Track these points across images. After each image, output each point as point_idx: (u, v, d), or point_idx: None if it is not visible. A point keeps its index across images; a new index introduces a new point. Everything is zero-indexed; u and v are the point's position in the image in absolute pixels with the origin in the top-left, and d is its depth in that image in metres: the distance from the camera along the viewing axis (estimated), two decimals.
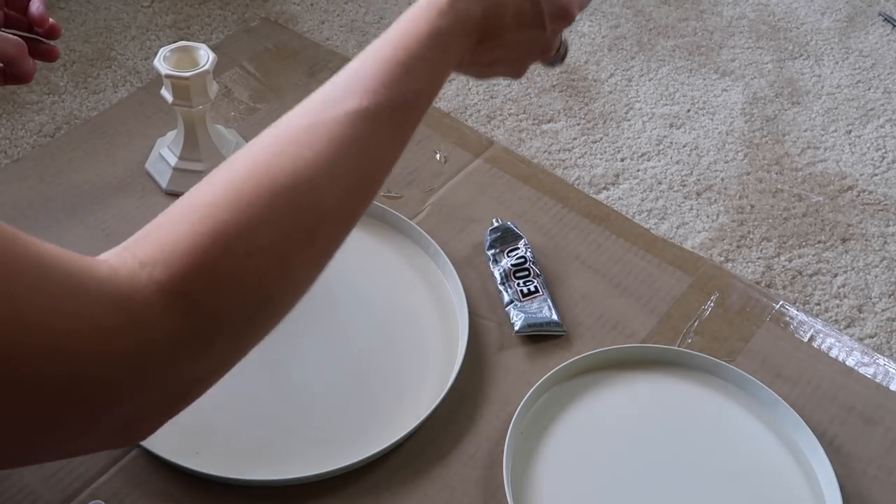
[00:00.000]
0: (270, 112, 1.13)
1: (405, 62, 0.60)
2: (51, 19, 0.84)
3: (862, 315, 1.06)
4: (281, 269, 0.52)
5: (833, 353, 0.92)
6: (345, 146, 0.56)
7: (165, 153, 1.03)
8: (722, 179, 1.21)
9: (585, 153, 1.23)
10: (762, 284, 1.07)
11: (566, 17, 0.72)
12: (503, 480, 0.78)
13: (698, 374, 0.89)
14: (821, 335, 0.94)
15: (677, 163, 1.23)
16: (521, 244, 0.97)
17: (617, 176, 1.20)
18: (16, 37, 0.80)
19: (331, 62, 1.20)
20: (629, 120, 1.29)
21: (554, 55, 0.77)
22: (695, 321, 0.94)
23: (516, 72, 0.75)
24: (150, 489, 0.78)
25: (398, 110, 0.59)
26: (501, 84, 1.32)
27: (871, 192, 1.21)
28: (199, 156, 1.01)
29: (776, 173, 1.23)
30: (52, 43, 0.84)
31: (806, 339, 0.93)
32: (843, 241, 1.14)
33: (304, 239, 0.54)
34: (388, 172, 0.60)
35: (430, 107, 0.63)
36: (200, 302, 0.48)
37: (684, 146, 1.25)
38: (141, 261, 0.48)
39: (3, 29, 0.82)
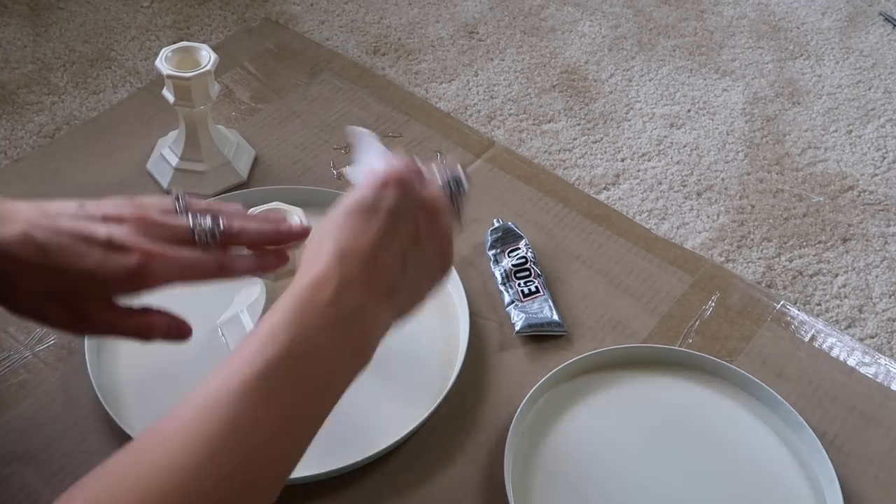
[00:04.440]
0: (272, 112, 1.13)
1: (267, 332, 0.58)
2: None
3: (863, 315, 1.06)
4: None
5: (834, 353, 0.92)
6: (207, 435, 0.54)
7: (167, 153, 1.03)
8: (722, 179, 1.21)
9: (586, 153, 1.23)
10: (763, 284, 1.07)
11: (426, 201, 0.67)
12: (504, 480, 0.78)
13: (699, 374, 0.89)
14: (822, 335, 0.94)
15: (678, 163, 1.23)
16: (521, 244, 0.97)
17: (617, 176, 1.20)
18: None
19: (332, 62, 1.21)
20: (629, 120, 1.29)
21: (452, 199, 0.71)
22: (696, 321, 0.94)
23: (442, 264, 0.69)
24: None
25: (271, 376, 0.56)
26: (501, 84, 1.32)
27: (871, 192, 1.21)
28: (200, 156, 1.01)
29: (777, 173, 1.23)
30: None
31: (807, 339, 0.93)
32: (844, 241, 1.14)
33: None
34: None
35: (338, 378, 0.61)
36: None
37: (685, 146, 1.25)
38: None
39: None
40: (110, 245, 0.66)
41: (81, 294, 0.68)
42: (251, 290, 0.88)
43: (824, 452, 0.81)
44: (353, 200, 0.65)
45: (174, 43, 0.98)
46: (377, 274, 0.63)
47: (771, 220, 1.16)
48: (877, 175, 1.24)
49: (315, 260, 0.62)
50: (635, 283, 0.97)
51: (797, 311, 0.96)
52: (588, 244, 1.00)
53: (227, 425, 0.54)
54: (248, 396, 0.55)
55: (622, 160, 1.22)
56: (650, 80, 1.36)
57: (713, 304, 0.96)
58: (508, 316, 0.92)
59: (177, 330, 0.73)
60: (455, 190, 0.72)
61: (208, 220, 0.69)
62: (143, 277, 0.67)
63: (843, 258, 1.12)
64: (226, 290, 0.92)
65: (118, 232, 0.67)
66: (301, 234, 0.74)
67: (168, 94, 0.96)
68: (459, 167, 0.73)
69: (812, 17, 1.50)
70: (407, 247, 0.65)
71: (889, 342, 1.03)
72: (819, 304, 1.07)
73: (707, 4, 1.51)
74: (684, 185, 1.20)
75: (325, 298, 0.60)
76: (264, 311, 0.84)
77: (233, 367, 0.57)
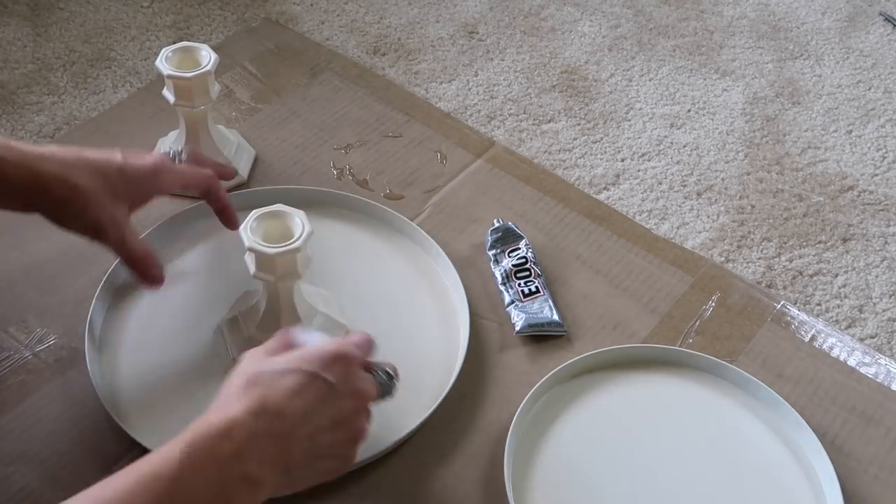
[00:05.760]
0: (272, 112, 1.13)
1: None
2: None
3: (863, 315, 1.06)
4: None
5: (834, 353, 0.92)
6: None
7: None
8: (722, 179, 1.21)
9: (586, 153, 1.23)
10: (763, 284, 1.07)
11: (355, 391, 0.67)
12: (504, 480, 0.78)
13: (699, 374, 0.89)
14: (822, 335, 0.94)
15: (678, 163, 1.23)
16: (521, 244, 0.97)
17: (617, 176, 1.20)
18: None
19: (332, 63, 1.21)
20: (629, 120, 1.29)
21: (379, 397, 0.72)
22: (696, 321, 0.94)
23: (341, 462, 0.70)
24: None
25: None
26: (501, 84, 1.33)
27: (871, 192, 1.21)
28: None
29: (777, 173, 1.23)
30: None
31: (807, 339, 0.93)
32: (844, 241, 1.14)
33: None
34: None
35: None
36: None
37: (685, 146, 1.25)
38: None
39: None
40: (127, 154, 0.82)
41: (111, 193, 0.80)
42: (252, 291, 0.88)
43: (824, 452, 0.81)
44: (301, 358, 0.66)
45: (174, 43, 0.98)
46: (286, 448, 0.63)
47: (771, 220, 1.16)
48: (877, 175, 1.24)
49: (238, 397, 0.62)
50: (635, 283, 0.97)
51: (797, 311, 0.96)
52: (588, 244, 1.01)
53: None
54: None
55: (622, 160, 1.22)
56: (650, 80, 1.36)
57: (713, 304, 0.96)
58: (508, 316, 0.92)
59: (154, 279, 0.83)
60: (386, 383, 0.73)
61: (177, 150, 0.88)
62: (158, 175, 0.83)
63: (843, 258, 1.12)
64: (227, 290, 0.92)
65: (129, 152, 0.83)
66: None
67: (168, 95, 0.96)
68: (393, 366, 0.74)
69: (812, 17, 1.50)
70: (326, 426, 0.65)
71: (889, 342, 1.03)
72: (819, 304, 1.07)
73: (707, 4, 1.51)
74: (684, 185, 1.20)
75: (221, 457, 0.59)
76: (264, 311, 0.84)
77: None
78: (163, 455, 0.58)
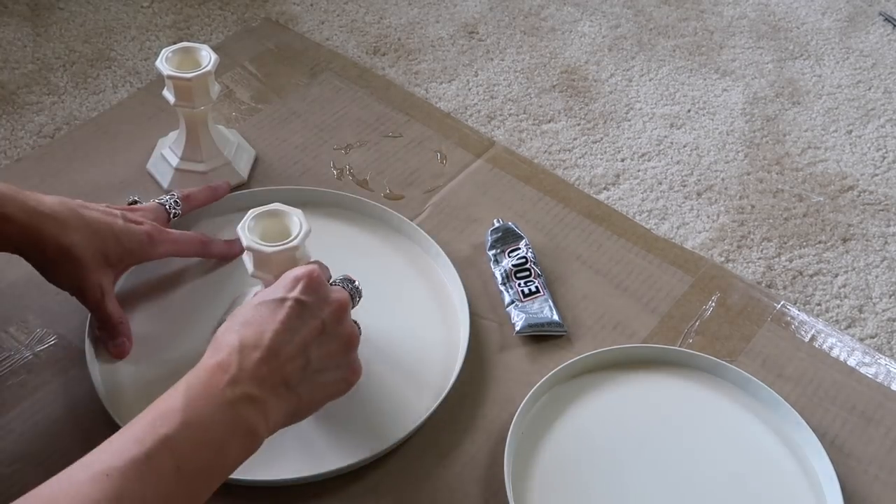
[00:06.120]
0: (272, 112, 1.13)
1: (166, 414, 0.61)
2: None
3: (863, 315, 1.06)
4: None
5: (834, 353, 0.92)
6: None
7: (167, 154, 1.03)
8: (722, 179, 1.21)
9: (586, 153, 1.23)
10: (763, 285, 1.08)
11: (330, 301, 0.70)
12: (504, 480, 0.78)
13: (699, 374, 0.89)
14: (822, 335, 0.94)
15: (678, 163, 1.23)
16: (521, 244, 0.97)
17: (617, 176, 1.20)
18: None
19: (332, 62, 1.21)
20: (629, 120, 1.29)
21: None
22: (696, 321, 0.94)
23: (348, 372, 0.72)
24: None
25: (153, 465, 0.58)
26: (501, 84, 1.33)
27: (871, 193, 1.21)
28: (200, 156, 1.01)
29: (777, 173, 1.23)
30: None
31: (807, 339, 0.93)
32: (844, 241, 1.14)
33: None
34: None
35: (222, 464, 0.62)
36: None
37: (685, 146, 1.25)
38: None
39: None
40: (127, 219, 0.84)
41: (103, 259, 0.82)
42: (250, 292, 0.88)
43: (824, 452, 0.81)
44: (264, 293, 0.70)
45: (174, 43, 0.98)
46: (277, 366, 0.66)
47: (771, 220, 1.16)
48: (877, 175, 1.24)
49: (220, 348, 0.66)
50: (635, 283, 0.97)
51: (797, 312, 0.96)
52: (588, 244, 1.01)
53: (114, 500, 0.56)
54: (135, 474, 0.57)
55: (622, 160, 1.23)
56: (650, 80, 1.36)
57: (713, 304, 0.96)
58: (508, 316, 0.92)
59: (119, 347, 0.86)
60: (353, 288, 0.77)
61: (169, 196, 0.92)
62: (153, 244, 0.85)
63: (843, 258, 1.12)
64: (226, 290, 0.92)
65: (129, 214, 0.86)
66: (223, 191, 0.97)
67: (168, 95, 0.96)
68: (347, 276, 0.78)
69: (812, 17, 1.50)
70: (311, 339, 0.68)
71: (889, 342, 1.03)
72: (819, 304, 1.07)
73: (707, 4, 1.51)
74: (684, 185, 1.20)
75: (219, 386, 0.63)
76: None
77: (124, 442, 0.59)
78: (167, 398, 0.63)
